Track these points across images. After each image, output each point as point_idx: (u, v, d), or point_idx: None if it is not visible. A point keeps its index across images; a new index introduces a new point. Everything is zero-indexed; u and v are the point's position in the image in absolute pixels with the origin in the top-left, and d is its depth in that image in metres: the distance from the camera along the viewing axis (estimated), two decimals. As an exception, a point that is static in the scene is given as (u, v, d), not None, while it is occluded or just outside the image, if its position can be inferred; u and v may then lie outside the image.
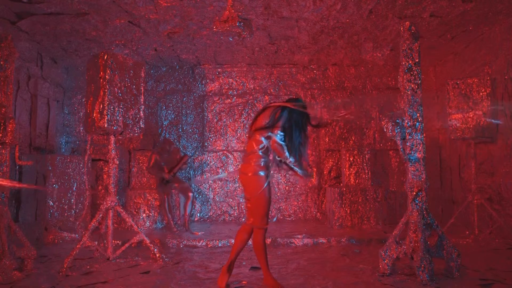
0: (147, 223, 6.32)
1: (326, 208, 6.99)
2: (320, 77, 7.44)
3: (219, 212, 7.23)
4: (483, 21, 5.26)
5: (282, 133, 3.02)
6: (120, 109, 4.10)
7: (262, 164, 3.04)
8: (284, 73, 7.34)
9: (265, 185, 3.01)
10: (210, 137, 7.35)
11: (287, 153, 3.02)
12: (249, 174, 3.03)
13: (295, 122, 3.08)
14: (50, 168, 5.67)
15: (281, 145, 3.01)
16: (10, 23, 4.98)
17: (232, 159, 7.34)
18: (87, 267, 3.98)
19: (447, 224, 5.41)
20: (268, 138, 3.04)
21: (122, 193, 6.61)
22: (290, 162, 3.07)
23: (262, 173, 3.02)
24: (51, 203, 5.63)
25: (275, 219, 6.77)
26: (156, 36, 5.72)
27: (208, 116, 7.37)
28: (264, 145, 3.05)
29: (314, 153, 7.36)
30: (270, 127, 3.03)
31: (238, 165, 7.32)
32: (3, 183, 3.62)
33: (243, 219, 7.17)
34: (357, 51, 6.54)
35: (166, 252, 4.74)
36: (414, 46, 3.51)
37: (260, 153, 3.05)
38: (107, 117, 3.96)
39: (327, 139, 7.36)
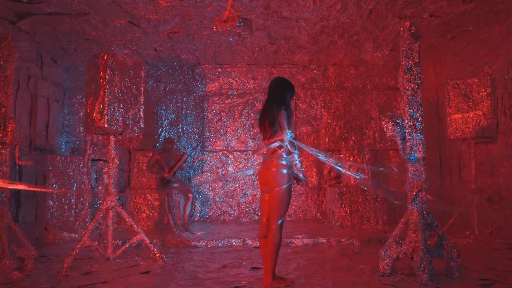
0: (147, 223, 6.33)
1: (326, 208, 6.99)
2: (320, 77, 7.44)
3: (219, 212, 7.23)
4: (483, 21, 5.26)
5: (290, 131, 3.10)
6: (120, 109, 4.10)
7: (284, 162, 3.11)
8: (284, 73, 7.34)
9: (286, 184, 3.08)
10: (210, 137, 7.35)
11: (296, 152, 3.11)
12: (273, 170, 3.10)
13: (287, 105, 3.23)
14: (50, 168, 5.67)
15: (293, 144, 3.09)
16: (10, 23, 4.98)
17: (232, 159, 7.33)
18: (87, 267, 3.98)
19: (447, 224, 5.41)
20: (283, 140, 3.09)
21: (122, 193, 6.61)
22: (296, 161, 3.13)
23: (284, 171, 3.09)
24: (51, 203, 5.63)
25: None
26: (156, 36, 5.72)
27: (208, 116, 7.37)
28: (283, 147, 3.12)
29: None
30: (279, 130, 3.11)
31: (238, 165, 7.32)
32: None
33: (243, 219, 7.17)
34: (357, 51, 6.54)
35: (166, 252, 4.74)
36: (414, 46, 3.51)
37: (283, 154, 3.12)
38: (107, 117, 3.96)
39: (327, 139, 7.36)
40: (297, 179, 3.20)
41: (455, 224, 5.54)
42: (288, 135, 3.08)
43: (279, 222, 3.10)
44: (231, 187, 7.28)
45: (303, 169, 3.18)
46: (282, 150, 3.11)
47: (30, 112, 6.04)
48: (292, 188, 3.24)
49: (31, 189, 4.80)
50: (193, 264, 4.18)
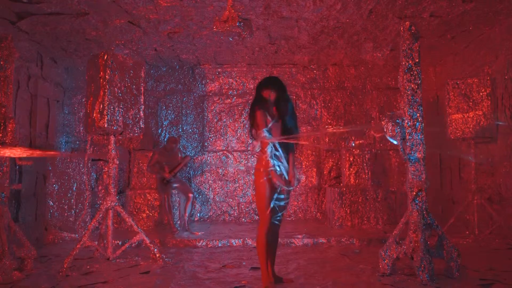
0: (147, 223, 6.33)
1: (326, 208, 6.99)
2: (320, 77, 7.44)
3: (219, 212, 7.23)
4: (483, 21, 5.26)
5: (265, 130, 3.11)
6: (120, 109, 4.10)
7: (260, 159, 3.17)
8: (284, 73, 7.34)
9: (262, 179, 3.09)
10: (210, 137, 7.35)
11: (268, 151, 3.08)
12: (261, 170, 3.13)
13: (283, 100, 3.24)
14: (50, 168, 5.67)
15: (264, 143, 3.11)
16: (10, 23, 4.97)
17: (232, 159, 7.33)
18: (87, 267, 3.98)
19: (447, 224, 5.41)
20: (261, 138, 3.13)
21: (122, 193, 6.62)
22: (270, 162, 3.07)
23: (261, 169, 3.12)
24: (51, 203, 5.63)
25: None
26: (156, 36, 5.72)
27: (208, 116, 7.37)
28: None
29: (314, 152, 7.36)
30: (256, 129, 3.16)
31: (238, 165, 7.33)
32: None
33: (243, 219, 7.17)
34: (357, 51, 6.53)
35: (166, 252, 4.74)
36: (414, 46, 3.51)
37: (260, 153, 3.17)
38: (107, 117, 3.96)
39: (327, 139, 7.36)
40: (288, 182, 3.17)
41: (455, 224, 5.54)
42: (263, 134, 3.09)
43: (267, 220, 3.06)
44: (231, 187, 7.28)
45: (279, 171, 3.10)
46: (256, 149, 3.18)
47: (30, 112, 6.03)
48: (271, 185, 3.11)
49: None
50: (193, 264, 4.18)
